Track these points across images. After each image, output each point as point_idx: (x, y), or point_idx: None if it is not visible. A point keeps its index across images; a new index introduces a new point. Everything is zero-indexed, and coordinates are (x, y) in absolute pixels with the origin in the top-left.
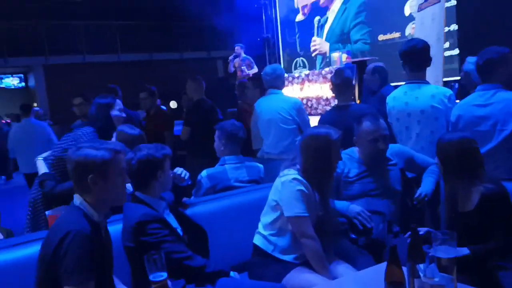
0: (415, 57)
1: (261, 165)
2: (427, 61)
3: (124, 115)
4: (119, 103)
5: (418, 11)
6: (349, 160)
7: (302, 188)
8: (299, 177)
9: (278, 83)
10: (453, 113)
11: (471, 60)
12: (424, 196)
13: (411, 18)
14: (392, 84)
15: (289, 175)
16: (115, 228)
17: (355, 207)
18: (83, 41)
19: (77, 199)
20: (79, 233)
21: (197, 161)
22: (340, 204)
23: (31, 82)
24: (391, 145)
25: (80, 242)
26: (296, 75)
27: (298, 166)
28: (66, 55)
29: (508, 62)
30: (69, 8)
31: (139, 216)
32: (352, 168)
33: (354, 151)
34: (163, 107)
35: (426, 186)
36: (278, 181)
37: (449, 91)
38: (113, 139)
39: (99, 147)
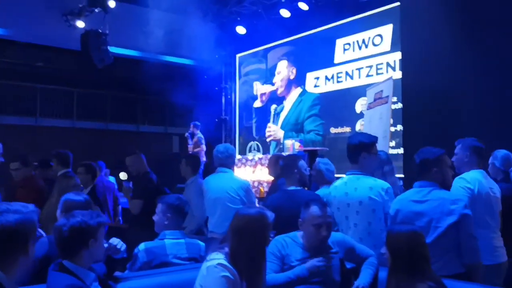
0: (353, 150)
1: (202, 243)
2: (361, 155)
3: (2, 160)
4: None
5: (367, 109)
6: (292, 245)
7: (227, 274)
8: (225, 263)
9: (228, 162)
10: (393, 206)
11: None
12: None
13: (361, 115)
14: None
15: (214, 259)
16: None
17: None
18: (38, 103)
19: None
20: None
21: (142, 234)
22: (297, 270)
23: None
24: (333, 233)
25: None
26: (250, 157)
27: (226, 249)
28: (17, 116)
29: (442, 163)
30: (26, 70)
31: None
32: (294, 253)
33: (297, 235)
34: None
35: (364, 278)
36: (204, 266)
37: (386, 184)
38: (58, 210)
39: (17, 210)
